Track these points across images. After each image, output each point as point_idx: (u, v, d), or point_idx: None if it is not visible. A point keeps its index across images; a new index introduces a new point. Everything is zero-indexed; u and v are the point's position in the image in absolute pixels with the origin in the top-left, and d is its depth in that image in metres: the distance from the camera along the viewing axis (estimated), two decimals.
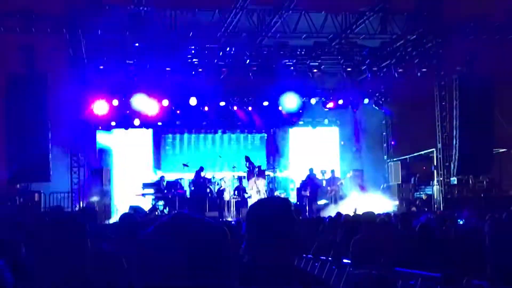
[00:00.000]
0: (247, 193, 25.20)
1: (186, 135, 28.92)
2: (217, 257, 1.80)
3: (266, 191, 25.39)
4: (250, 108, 28.09)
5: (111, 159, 27.50)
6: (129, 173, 27.57)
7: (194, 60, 24.07)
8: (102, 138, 27.95)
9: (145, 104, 25.81)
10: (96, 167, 26.02)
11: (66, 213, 20.56)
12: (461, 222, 7.72)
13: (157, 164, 28.25)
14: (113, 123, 27.59)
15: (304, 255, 12.00)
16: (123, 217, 7.29)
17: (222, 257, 1.81)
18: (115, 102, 26.38)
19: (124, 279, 4.40)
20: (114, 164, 27.29)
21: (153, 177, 26.54)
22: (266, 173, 26.20)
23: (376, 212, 15.65)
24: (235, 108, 27.94)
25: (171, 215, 1.88)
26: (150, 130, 28.57)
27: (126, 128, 27.92)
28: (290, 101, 27.03)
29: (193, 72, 24.52)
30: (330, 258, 11.03)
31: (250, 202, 24.62)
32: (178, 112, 27.49)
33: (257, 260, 3.04)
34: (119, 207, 25.56)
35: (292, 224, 3.11)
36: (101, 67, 23.69)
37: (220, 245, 1.83)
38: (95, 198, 24.28)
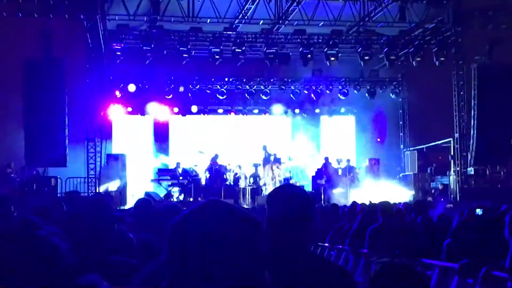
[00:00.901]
0: (262, 180, 25.19)
1: (201, 121, 28.87)
2: (249, 247, 1.77)
3: (281, 179, 25.31)
4: (267, 96, 28.12)
5: (124, 144, 27.62)
6: (144, 159, 27.66)
7: (211, 47, 24.01)
8: (119, 124, 28.08)
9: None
10: (112, 153, 26.17)
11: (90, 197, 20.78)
12: (479, 212, 7.65)
13: (166, 150, 28.30)
14: (129, 109, 27.67)
15: (320, 244, 11.99)
16: (139, 202, 7.28)
17: (253, 248, 1.78)
18: (132, 88, 26.49)
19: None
20: (128, 149, 27.35)
21: (165, 161, 26.68)
22: (282, 161, 26.13)
23: (392, 202, 15.62)
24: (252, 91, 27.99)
25: (204, 202, 1.84)
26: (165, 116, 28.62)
27: (142, 114, 28.02)
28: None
29: (210, 59, 24.46)
30: (346, 247, 11.01)
31: (265, 190, 24.65)
32: (192, 96, 27.57)
33: (278, 245, 3.05)
34: (134, 193, 25.69)
35: (312, 212, 3.16)
36: (118, 53, 23.63)
37: (252, 235, 1.80)
38: (111, 184, 24.41)
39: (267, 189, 24.65)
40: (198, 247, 1.72)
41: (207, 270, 1.71)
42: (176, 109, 28.17)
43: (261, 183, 25.14)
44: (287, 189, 3.38)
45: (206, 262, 1.71)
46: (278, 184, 24.62)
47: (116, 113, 27.55)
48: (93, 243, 3.40)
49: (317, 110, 29.44)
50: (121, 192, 24.34)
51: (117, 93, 26.89)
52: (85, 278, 2.37)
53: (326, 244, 12.02)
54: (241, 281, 1.72)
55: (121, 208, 21.03)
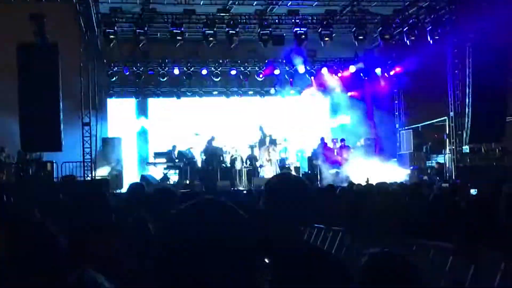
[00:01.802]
0: (258, 162, 25.23)
1: (196, 103, 28.84)
2: (240, 241, 1.81)
3: (277, 160, 25.34)
4: (261, 76, 28.18)
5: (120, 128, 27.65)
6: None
7: (205, 29, 23.91)
8: (114, 108, 28.09)
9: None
10: (108, 137, 26.18)
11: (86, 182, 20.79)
12: (473, 192, 7.69)
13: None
14: (124, 92, 27.72)
15: (317, 225, 12.03)
16: (132, 186, 7.33)
17: (246, 244, 1.83)
18: (126, 71, 26.53)
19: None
20: (125, 133, 27.37)
21: (164, 146, 26.67)
22: (278, 142, 26.16)
23: (388, 181, 15.68)
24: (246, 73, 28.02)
25: (197, 201, 1.89)
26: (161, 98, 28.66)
27: (137, 97, 28.05)
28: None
29: (204, 41, 24.37)
30: (342, 228, 11.06)
31: (262, 171, 24.70)
32: (188, 80, 27.60)
33: (274, 233, 3.10)
34: (131, 176, 25.74)
35: (307, 203, 3.26)
36: (112, 36, 23.49)
37: (243, 231, 1.84)
38: (107, 168, 24.44)
39: (264, 171, 24.72)
40: (191, 243, 1.76)
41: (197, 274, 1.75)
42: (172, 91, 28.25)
43: (257, 164, 25.18)
44: (281, 183, 3.40)
45: (196, 267, 1.75)
46: (274, 166, 24.71)
47: (112, 96, 27.58)
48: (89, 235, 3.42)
49: (312, 91, 29.41)
50: (117, 175, 24.39)
51: (112, 76, 26.86)
52: (88, 273, 2.39)
53: (322, 226, 12.06)
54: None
55: (116, 192, 21.06)
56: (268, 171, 24.33)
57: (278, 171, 23.97)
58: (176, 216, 1.85)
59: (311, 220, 3.36)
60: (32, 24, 21.11)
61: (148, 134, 28.17)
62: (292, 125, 28.87)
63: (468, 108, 23.43)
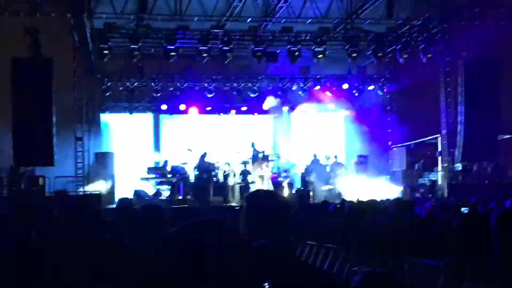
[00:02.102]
0: (250, 178, 25.21)
1: (189, 119, 28.93)
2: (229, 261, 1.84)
3: (270, 176, 25.35)
4: (255, 94, 28.30)
5: (114, 143, 27.66)
6: (133, 157, 27.67)
7: (198, 45, 23.98)
8: (107, 122, 28.10)
9: None
10: (101, 151, 26.15)
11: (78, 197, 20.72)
12: (465, 211, 7.73)
13: (157, 147, 28.40)
14: (119, 107, 27.76)
15: (309, 242, 12.01)
16: (121, 201, 7.35)
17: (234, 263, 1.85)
18: (119, 86, 26.60)
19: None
20: (118, 147, 27.37)
21: (156, 159, 26.62)
22: (270, 158, 26.17)
23: (380, 199, 15.70)
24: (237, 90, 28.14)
25: (189, 224, 1.93)
26: (151, 114, 28.72)
27: (130, 113, 28.09)
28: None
29: (197, 58, 24.45)
30: (334, 245, 11.04)
31: (253, 187, 24.68)
32: (180, 94, 27.63)
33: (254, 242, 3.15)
34: (123, 191, 25.68)
35: (283, 214, 3.37)
36: (106, 51, 23.51)
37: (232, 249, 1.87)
38: (99, 183, 24.37)
39: (256, 187, 24.69)
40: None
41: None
42: (164, 107, 28.28)
43: (249, 180, 25.16)
44: (257, 198, 3.52)
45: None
46: (266, 182, 24.73)
47: (105, 111, 27.59)
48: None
49: (304, 107, 29.54)
50: (110, 191, 24.33)
51: (106, 91, 26.89)
52: None
53: (314, 243, 12.04)
54: None
55: (108, 207, 21.01)
56: (260, 188, 24.36)
57: (271, 187, 24.01)
58: (172, 237, 1.87)
59: (288, 235, 3.42)
60: (27, 38, 21.14)
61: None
62: (285, 141, 28.97)
63: (461, 126, 23.52)
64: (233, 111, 29.27)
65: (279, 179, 25.85)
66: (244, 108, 29.28)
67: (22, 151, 21.13)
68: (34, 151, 20.96)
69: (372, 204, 9.54)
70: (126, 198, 7.49)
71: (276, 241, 3.15)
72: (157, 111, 28.56)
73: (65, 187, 22.24)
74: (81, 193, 22.18)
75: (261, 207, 3.31)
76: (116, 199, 23.54)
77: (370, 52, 25.85)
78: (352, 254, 9.85)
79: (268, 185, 24.44)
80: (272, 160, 26.09)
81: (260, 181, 24.73)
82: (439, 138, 25.24)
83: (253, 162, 25.52)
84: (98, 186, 24.17)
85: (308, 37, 25.01)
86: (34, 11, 21.22)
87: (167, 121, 28.92)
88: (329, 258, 11.23)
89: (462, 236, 7.58)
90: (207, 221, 1.93)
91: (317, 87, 28.78)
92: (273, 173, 25.92)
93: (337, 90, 28.91)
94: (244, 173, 25.19)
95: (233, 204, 23.31)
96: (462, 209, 8.26)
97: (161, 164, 25.45)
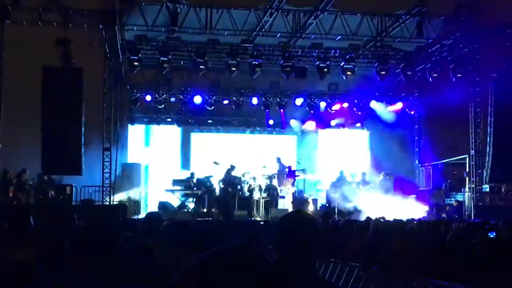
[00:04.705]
0: (277, 192, 25.17)
1: (216, 133, 29.05)
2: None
3: (295, 191, 25.33)
4: (282, 110, 28.31)
5: (141, 154, 27.81)
6: (161, 169, 27.79)
7: (228, 59, 24.10)
8: (135, 133, 28.28)
9: None
10: (128, 162, 26.33)
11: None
12: (491, 236, 7.65)
13: (185, 163, 28.43)
14: (145, 119, 27.95)
15: (333, 260, 11.97)
16: (148, 216, 7.37)
17: None
18: (148, 97, 26.77)
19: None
20: (145, 159, 27.53)
21: (184, 173, 26.66)
22: (296, 173, 26.11)
23: (405, 218, 15.60)
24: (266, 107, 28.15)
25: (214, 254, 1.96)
26: (179, 128, 28.81)
27: (158, 124, 28.23)
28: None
29: (227, 71, 24.57)
30: (358, 264, 10.99)
31: (281, 201, 24.66)
32: (210, 109, 27.68)
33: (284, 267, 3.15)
34: (149, 203, 25.85)
35: (318, 241, 3.33)
36: (136, 63, 23.72)
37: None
38: (125, 193, 24.53)
39: (283, 201, 24.73)
40: None
41: None
42: (191, 120, 28.41)
43: (275, 195, 25.12)
44: (295, 217, 3.50)
45: None
46: (291, 197, 24.74)
47: (133, 122, 27.80)
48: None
49: (332, 123, 29.48)
50: (136, 202, 24.47)
51: (134, 102, 27.08)
52: None
53: (338, 261, 11.99)
54: None
55: (134, 217, 21.15)
56: (287, 202, 24.50)
57: (291, 203, 24.27)
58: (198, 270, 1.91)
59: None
60: (59, 48, 21.42)
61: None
62: (311, 156, 28.93)
63: (489, 147, 23.35)
64: (258, 127, 29.30)
65: (304, 195, 25.78)
66: (271, 122, 29.21)
67: (51, 159, 21.41)
68: (63, 160, 21.20)
69: (398, 225, 9.48)
70: (155, 212, 7.51)
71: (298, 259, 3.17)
72: (184, 124, 28.64)
73: (91, 197, 22.50)
74: (107, 203, 22.31)
75: (293, 231, 3.28)
76: (142, 209, 23.78)
77: (399, 70, 25.74)
78: (376, 274, 9.80)
79: (290, 200, 24.65)
80: (297, 176, 26.02)
81: (286, 196, 24.81)
82: (467, 159, 25.03)
83: (279, 176, 25.50)
84: (124, 197, 24.32)
85: (337, 54, 25.03)
86: (67, 22, 21.50)
87: (194, 134, 29.00)
88: (353, 277, 11.18)
89: (487, 262, 7.51)
90: (232, 249, 1.95)
91: (345, 104, 28.67)
92: (298, 189, 25.85)
93: (365, 107, 28.78)
94: (269, 188, 25.16)
95: (258, 218, 23.30)
96: (489, 234, 8.17)
97: (187, 177, 25.50)
